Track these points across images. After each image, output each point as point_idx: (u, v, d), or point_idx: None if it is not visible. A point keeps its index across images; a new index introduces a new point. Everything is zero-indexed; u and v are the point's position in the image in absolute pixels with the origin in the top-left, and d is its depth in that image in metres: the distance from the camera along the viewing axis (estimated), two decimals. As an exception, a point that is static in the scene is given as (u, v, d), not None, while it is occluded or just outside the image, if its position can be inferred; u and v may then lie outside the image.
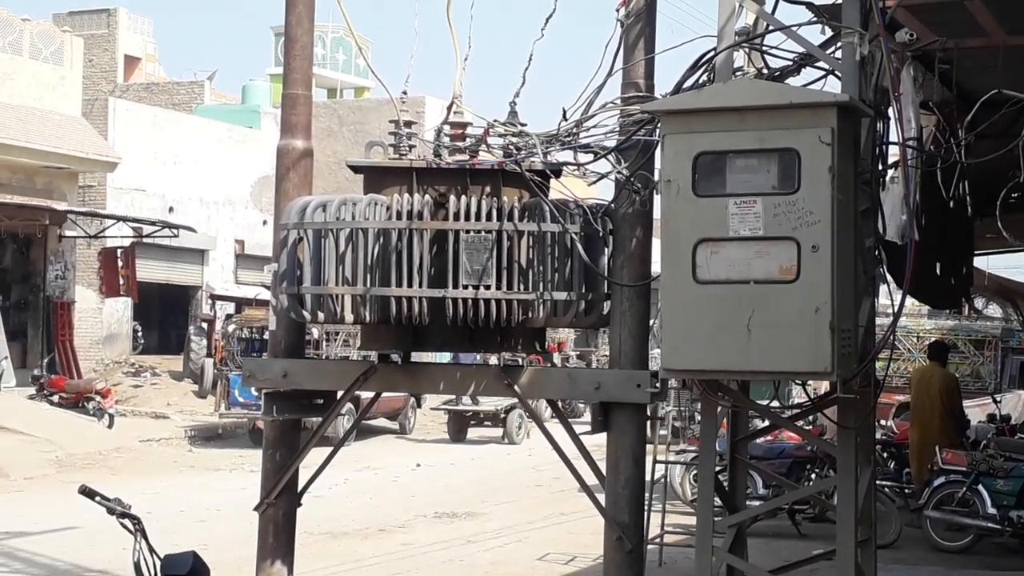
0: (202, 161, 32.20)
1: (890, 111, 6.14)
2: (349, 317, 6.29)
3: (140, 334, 31.30)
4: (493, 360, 15.71)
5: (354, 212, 6.22)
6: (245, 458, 20.34)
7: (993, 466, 12.60)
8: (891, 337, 6.06)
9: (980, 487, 12.42)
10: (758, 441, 11.56)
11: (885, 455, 14.64)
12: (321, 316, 6.36)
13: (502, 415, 24.06)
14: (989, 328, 27.73)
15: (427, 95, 31.25)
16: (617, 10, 6.25)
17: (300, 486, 7.24)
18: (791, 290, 5.35)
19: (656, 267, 5.87)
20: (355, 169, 6.68)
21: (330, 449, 7.32)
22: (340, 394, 7.01)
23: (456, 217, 6.10)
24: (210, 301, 29.69)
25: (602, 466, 6.34)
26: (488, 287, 6.05)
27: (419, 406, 25.69)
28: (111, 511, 5.70)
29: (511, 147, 6.34)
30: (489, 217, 6.08)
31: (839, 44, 5.97)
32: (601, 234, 6.23)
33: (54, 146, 25.61)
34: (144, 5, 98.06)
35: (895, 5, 6.19)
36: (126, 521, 5.63)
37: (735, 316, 5.41)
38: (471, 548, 13.00)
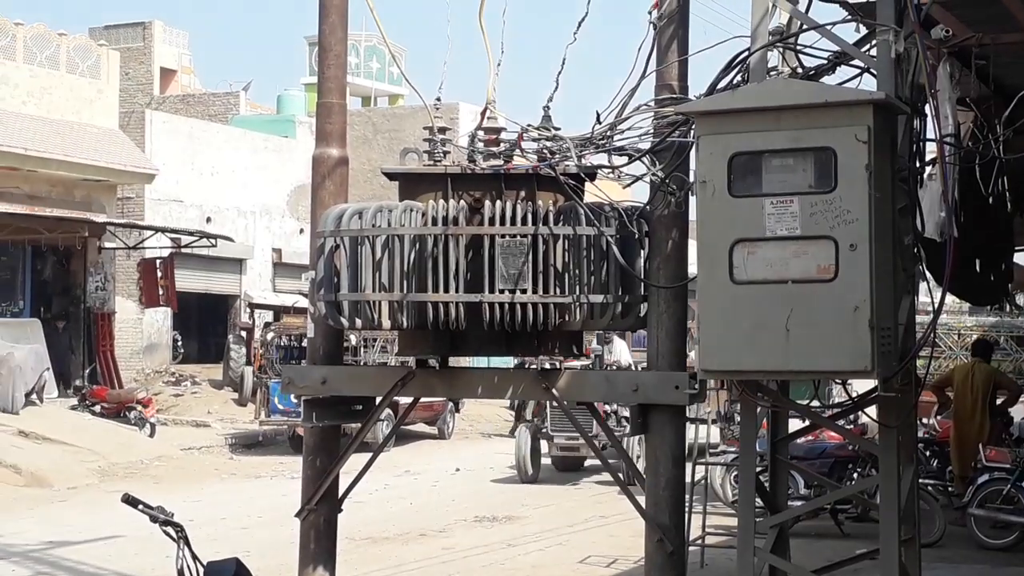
0: (239, 171, 32.37)
1: (927, 108, 6.11)
2: (386, 323, 6.31)
3: (180, 343, 31.49)
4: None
5: (390, 219, 6.24)
6: (285, 465, 20.43)
7: (1037, 463, 12.51)
8: (932, 335, 6.02)
9: (1025, 484, 12.33)
10: (799, 441, 11.47)
11: (927, 453, 14.53)
12: (359, 322, 6.39)
13: None
14: (1030, 324, 27.45)
15: (460, 101, 31.23)
16: (650, 12, 6.24)
17: (340, 492, 7.27)
18: (830, 289, 5.33)
19: (693, 268, 5.86)
20: (390, 176, 6.71)
21: (369, 455, 7.35)
22: (379, 400, 7.04)
23: (491, 222, 6.11)
24: (248, 310, 29.85)
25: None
26: (524, 291, 6.05)
27: (457, 411, 25.71)
28: (154, 519, 5.74)
29: (545, 151, 6.34)
30: (524, 221, 6.09)
31: (874, 42, 5.95)
32: (637, 236, 6.23)
33: (92, 159, 25.81)
34: (179, 18, 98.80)
35: (930, 2, 6.15)
36: (169, 529, 5.66)
37: (773, 316, 5.39)
38: (512, 552, 13.00)
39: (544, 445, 18.67)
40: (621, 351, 21.24)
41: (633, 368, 17.04)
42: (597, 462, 17.85)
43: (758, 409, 6.39)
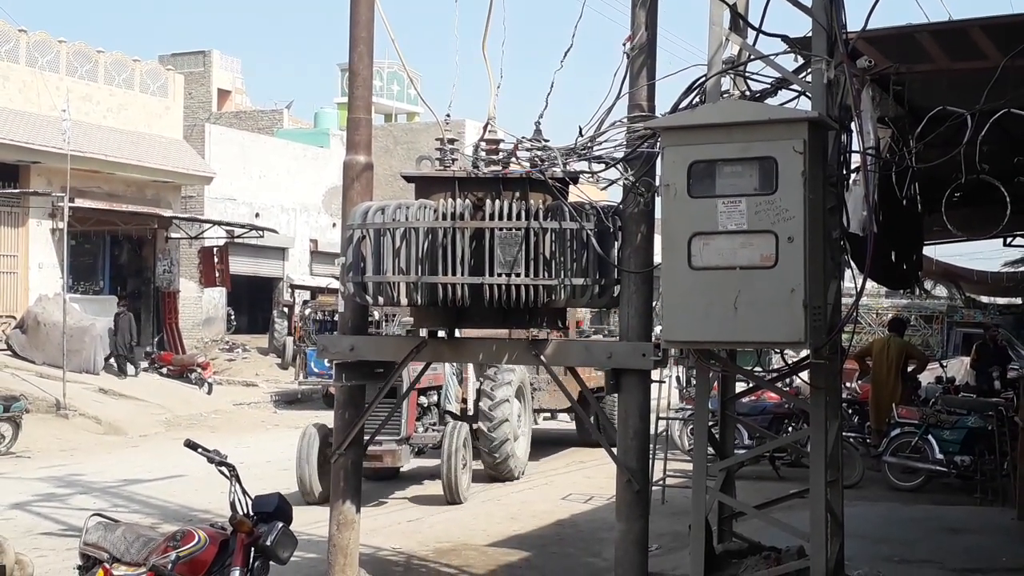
0: (282, 175, 32.29)
1: (852, 125, 6.08)
2: (404, 300, 6.30)
3: (233, 317, 31.45)
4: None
5: (407, 214, 6.23)
6: (320, 418, 20.30)
7: (940, 420, 12.56)
8: (854, 313, 6.01)
9: (930, 437, 12.38)
10: (744, 400, 11.50)
11: (850, 411, 14.57)
12: (381, 300, 6.38)
13: None
14: (936, 306, 27.55)
15: (466, 118, 31.05)
16: (624, 44, 6.22)
17: (365, 439, 7.27)
18: (770, 274, 5.31)
19: (658, 257, 5.85)
20: (408, 179, 6.69)
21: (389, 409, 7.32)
22: (397, 363, 7.03)
23: (491, 217, 6.10)
24: (290, 290, 29.81)
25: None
26: (518, 275, 6.04)
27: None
28: (211, 460, 5.73)
29: (536, 159, 6.32)
30: (519, 217, 6.08)
31: (809, 70, 5.92)
32: (612, 230, 6.21)
33: (161, 164, 25.77)
34: (233, 47, 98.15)
35: (856, 37, 6.13)
36: (223, 469, 5.66)
37: (724, 296, 5.38)
38: (506, 489, 13.02)
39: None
40: None
41: None
42: (418, 465, 13.61)
43: (711, 373, 6.38)
